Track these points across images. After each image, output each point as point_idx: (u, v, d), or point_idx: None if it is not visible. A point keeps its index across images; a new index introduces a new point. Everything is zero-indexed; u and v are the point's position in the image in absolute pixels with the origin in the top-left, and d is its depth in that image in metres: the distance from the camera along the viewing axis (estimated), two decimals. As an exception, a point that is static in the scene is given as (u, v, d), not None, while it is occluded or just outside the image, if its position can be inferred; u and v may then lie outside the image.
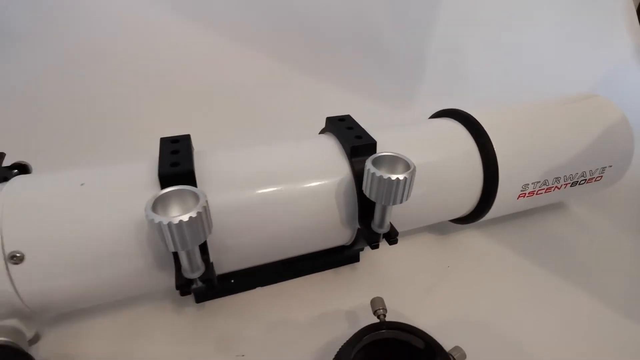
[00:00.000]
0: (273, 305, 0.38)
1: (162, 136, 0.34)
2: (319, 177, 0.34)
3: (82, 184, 0.30)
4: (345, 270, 0.43)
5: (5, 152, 0.33)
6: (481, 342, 0.35)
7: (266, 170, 0.33)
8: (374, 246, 0.34)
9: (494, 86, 0.74)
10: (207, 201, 0.25)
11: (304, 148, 0.37)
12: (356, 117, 0.39)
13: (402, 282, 0.41)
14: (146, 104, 0.66)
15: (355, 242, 0.38)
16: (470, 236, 0.48)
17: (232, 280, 0.38)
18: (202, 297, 0.38)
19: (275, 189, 0.32)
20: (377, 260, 0.44)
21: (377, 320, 0.31)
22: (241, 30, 0.71)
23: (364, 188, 0.31)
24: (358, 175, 0.33)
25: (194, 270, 0.28)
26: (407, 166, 0.30)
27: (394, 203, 0.30)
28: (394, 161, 0.31)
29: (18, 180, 0.29)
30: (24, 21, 0.63)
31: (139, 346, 0.34)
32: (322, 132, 0.41)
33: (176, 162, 0.30)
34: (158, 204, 0.25)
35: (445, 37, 0.78)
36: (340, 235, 0.37)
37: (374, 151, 0.34)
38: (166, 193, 0.26)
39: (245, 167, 0.34)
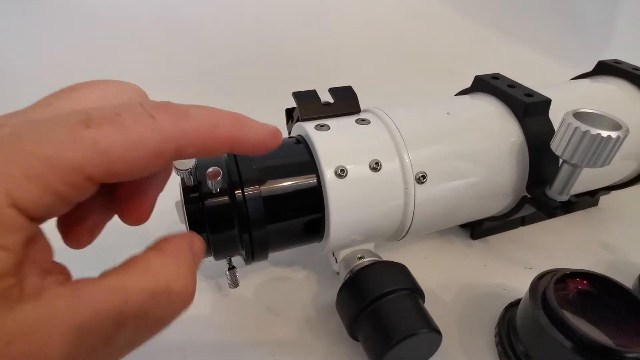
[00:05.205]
0: (537, 240, 0.41)
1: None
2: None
3: (447, 113, 0.32)
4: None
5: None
6: None
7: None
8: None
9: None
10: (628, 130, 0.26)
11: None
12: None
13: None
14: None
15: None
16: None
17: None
18: (477, 234, 0.41)
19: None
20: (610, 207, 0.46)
21: None
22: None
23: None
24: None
25: (563, 193, 0.30)
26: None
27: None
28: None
29: (392, 110, 0.32)
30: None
31: (440, 258, 0.39)
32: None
33: (529, 94, 0.32)
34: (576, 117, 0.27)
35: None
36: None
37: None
38: (581, 112, 0.27)
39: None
